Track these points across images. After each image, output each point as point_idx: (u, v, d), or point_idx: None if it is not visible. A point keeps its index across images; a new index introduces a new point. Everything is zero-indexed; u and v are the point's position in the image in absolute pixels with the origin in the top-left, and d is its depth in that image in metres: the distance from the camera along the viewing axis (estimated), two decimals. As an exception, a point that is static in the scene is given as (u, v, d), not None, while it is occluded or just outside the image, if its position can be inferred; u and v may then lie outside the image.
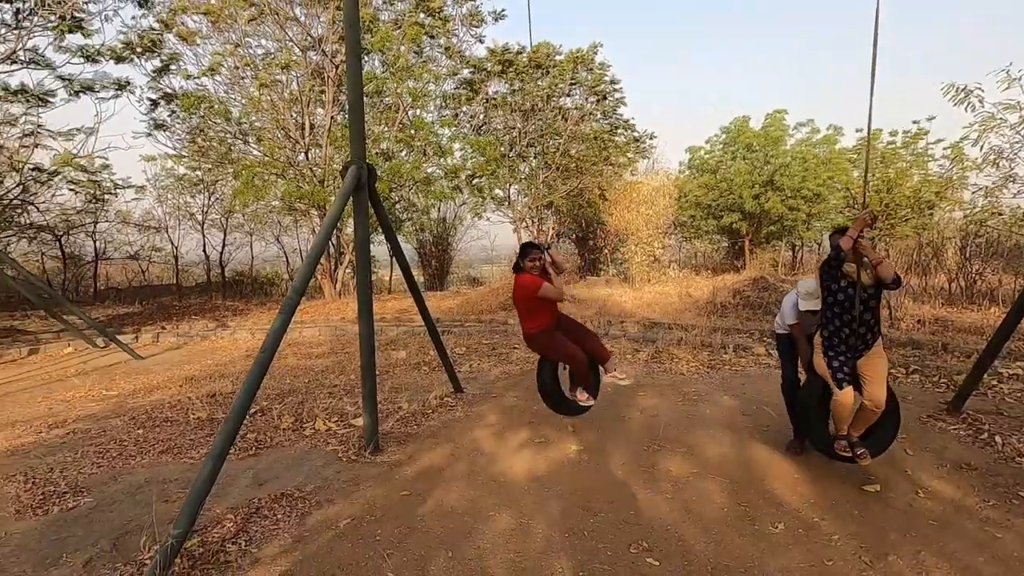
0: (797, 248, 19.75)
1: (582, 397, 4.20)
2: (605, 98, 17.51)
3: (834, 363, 3.40)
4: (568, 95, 17.43)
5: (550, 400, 4.40)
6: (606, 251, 18.78)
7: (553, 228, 19.90)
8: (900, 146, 15.96)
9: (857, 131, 17.27)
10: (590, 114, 17.77)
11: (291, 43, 12.99)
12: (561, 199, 17.75)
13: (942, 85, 8.10)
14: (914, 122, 15.68)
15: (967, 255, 9.99)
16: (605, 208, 17.66)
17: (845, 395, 3.31)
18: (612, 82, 17.18)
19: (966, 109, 8.14)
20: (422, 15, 13.73)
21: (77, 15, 10.09)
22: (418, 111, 14.25)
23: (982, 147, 8.83)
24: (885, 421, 3.48)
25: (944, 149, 14.66)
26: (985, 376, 5.02)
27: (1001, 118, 8.38)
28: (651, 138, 19.48)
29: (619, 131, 18.65)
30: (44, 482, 3.74)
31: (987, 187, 9.50)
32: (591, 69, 16.80)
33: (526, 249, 4.19)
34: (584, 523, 3.12)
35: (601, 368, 4.25)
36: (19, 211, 14.12)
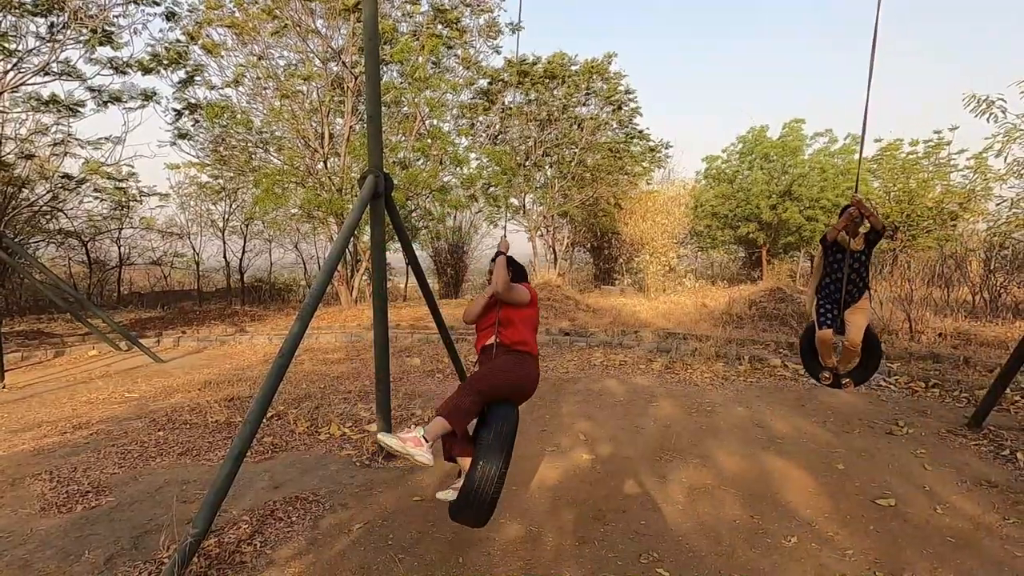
0: (816, 259, 19.46)
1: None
2: (620, 108, 17.55)
3: (820, 309, 4.30)
4: (584, 105, 17.50)
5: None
6: (621, 260, 18.77)
7: (568, 237, 19.94)
8: (922, 156, 15.73)
9: (876, 141, 17.08)
10: (605, 124, 17.81)
11: (312, 55, 13.27)
12: (576, 208, 17.79)
13: (964, 96, 8.02)
14: (935, 132, 15.42)
15: (991, 268, 9.79)
16: (620, 217, 17.67)
17: (823, 334, 4.25)
18: (627, 92, 17.22)
19: (988, 120, 8.04)
20: (440, 26, 13.94)
21: (108, 28, 10.45)
22: (435, 121, 14.44)
23: (1006, 158, 8.71)
24: (868, 361, 4.26)
25: (967, 159, 14.39)
26: (1008, 391, 4.92)
27: (1024, 129, 8.27)
28: (666, 147, 19.44)
29: (634, 141, 18.66)
30: (68, 481, 3.84)
31: (1012, 198, 9.34)
32: (606, 79, 16.87)
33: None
34: (595, 532, 3.12)
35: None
36: (48, 217, 14.58)
